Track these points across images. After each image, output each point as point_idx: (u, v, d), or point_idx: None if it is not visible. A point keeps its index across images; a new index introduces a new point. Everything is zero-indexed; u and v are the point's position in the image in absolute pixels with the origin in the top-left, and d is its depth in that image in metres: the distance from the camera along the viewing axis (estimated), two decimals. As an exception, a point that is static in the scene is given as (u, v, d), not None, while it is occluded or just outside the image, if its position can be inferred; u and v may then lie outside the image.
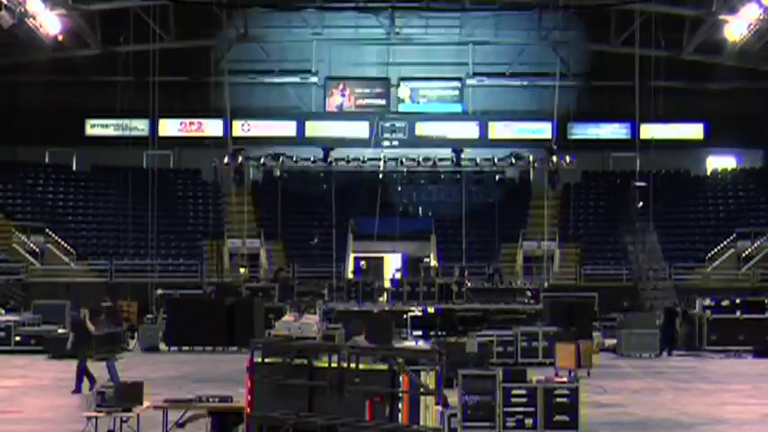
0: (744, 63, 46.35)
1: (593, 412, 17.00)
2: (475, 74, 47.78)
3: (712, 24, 43.62)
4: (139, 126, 45.57)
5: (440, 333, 31.61)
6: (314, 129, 48.33)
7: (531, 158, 44.49)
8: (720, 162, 51.85)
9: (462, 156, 45.24)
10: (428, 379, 11.13)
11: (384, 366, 11.08)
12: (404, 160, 46.43)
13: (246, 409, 11.50)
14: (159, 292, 36.52)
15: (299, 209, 45.97)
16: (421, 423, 10.95)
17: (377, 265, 44.35)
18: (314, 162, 44.99)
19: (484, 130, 47.97)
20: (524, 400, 15.30)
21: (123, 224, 43.23)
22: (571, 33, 40.56)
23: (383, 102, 48.48)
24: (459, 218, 44.37)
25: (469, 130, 48.49)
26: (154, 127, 41.29)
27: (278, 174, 44.54)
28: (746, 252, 44.33)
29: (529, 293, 35.37)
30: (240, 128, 48.92)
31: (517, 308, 33.81)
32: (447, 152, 46.17)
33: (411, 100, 48.48)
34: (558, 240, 44.95)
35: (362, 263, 42.92)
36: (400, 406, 10.90)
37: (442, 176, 47.29)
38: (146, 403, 13.79)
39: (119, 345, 29.78)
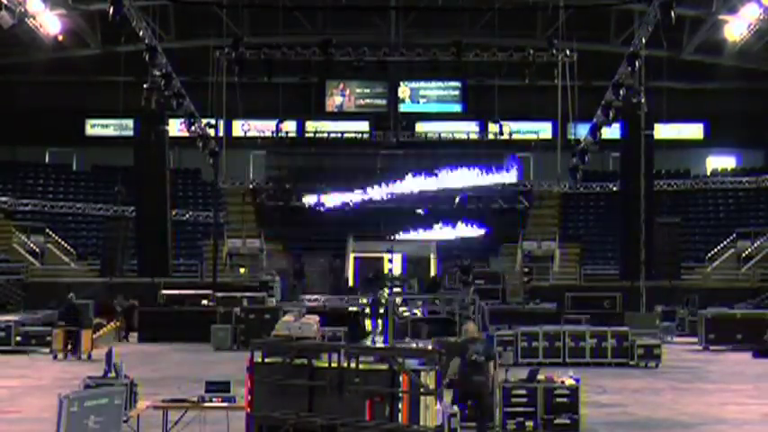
0: (744, 63, 46.40)
1: (594, 412, 16.99)
2: (475, 74, 47.77)
3: (712, 24, 43.63)
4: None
5: None
6: (314, 128, 48.36)
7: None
8: (720, 162, 51.91)
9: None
10: (428, 379, 11.13)
11: (384, 366, 11.07)
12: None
13: (246, 409, 11.51)
14: (164, 292, 36.60)
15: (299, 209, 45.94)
16: (421, 423, 10.95)
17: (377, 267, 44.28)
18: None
19: (484, 130, 47.96)
20: (524, 400, 15.29)
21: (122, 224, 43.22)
22: (571, 33, 40.54)
23: (383, 102, 48.47)
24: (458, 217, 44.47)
25: (470, 130, 48.52)
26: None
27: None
28: (746, 252, 44.36)
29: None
30: (240, 128, 49.01)
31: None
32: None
33: (411, 100, 48.46)
34: (558, 240, 44.95)
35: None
36: (400, 406, 10.90)
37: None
38: (145, 403, 13.78)
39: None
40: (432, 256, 46.70)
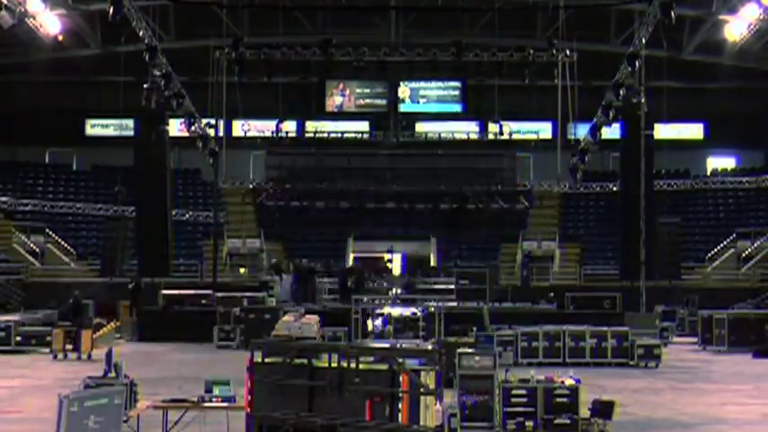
0: (744, 63, 46.40)
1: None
2: (475, 74, 47.73)
3: (712, 24, 43.65)
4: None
5: None
6: (314, 128, 48.34)
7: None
8: (720, 162, 51.93)
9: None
10: (428, 379, 11.13)
11: (384, 366, 11.08)
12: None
13: (246, 409, 11.51)
14: (164, 292, 36.59)
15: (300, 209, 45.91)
16: (421, 423, 10.95)
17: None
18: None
19: (484, 130, 47.94)
20: (524, 400, 15.28)
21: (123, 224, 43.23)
22: (571, 33, 40.62)
23: (383, 102, 48.45)
24: (459, 217, 44.54)
25: (470, 130, 48.51)
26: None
27: None
28: (746, 252, 44.36)
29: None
30: (240, 128, 49.03)
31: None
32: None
33: (411, 100, 48.45)
34: (557, 240, 44.95)
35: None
36: (400, 406, 10.91)
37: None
38: (145, 403, 13.78)
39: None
40: (432, 255, 46.71)
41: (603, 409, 15.05)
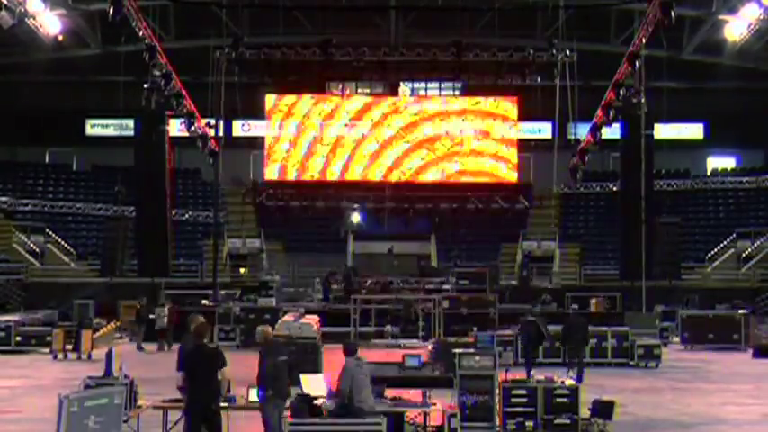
0: (744, 63, 46.41)
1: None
2: (475, 73, 47.71)
3: (712, 24, 43.65)
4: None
5: None
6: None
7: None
8: (720, 162, 51.93)
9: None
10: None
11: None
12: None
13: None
14: (166, 292, 36.51)
15: (300, 210, 45.95)
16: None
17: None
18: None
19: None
20: (524, 400, 15.28)
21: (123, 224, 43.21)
22: (571, 33, 40.63)
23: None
24: (458, 217, 44.53)
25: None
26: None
27: None
28: (746, 252, 44.37)
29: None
30: (240, 128, 49.01)
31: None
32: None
33: (411, 100, 48.28)
34: (557, 240, 44.94)
35: None
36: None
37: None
38: (145, 403, 13.79)
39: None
40: (433, 254, 46.64)
41: (603, 409, 15.05)
